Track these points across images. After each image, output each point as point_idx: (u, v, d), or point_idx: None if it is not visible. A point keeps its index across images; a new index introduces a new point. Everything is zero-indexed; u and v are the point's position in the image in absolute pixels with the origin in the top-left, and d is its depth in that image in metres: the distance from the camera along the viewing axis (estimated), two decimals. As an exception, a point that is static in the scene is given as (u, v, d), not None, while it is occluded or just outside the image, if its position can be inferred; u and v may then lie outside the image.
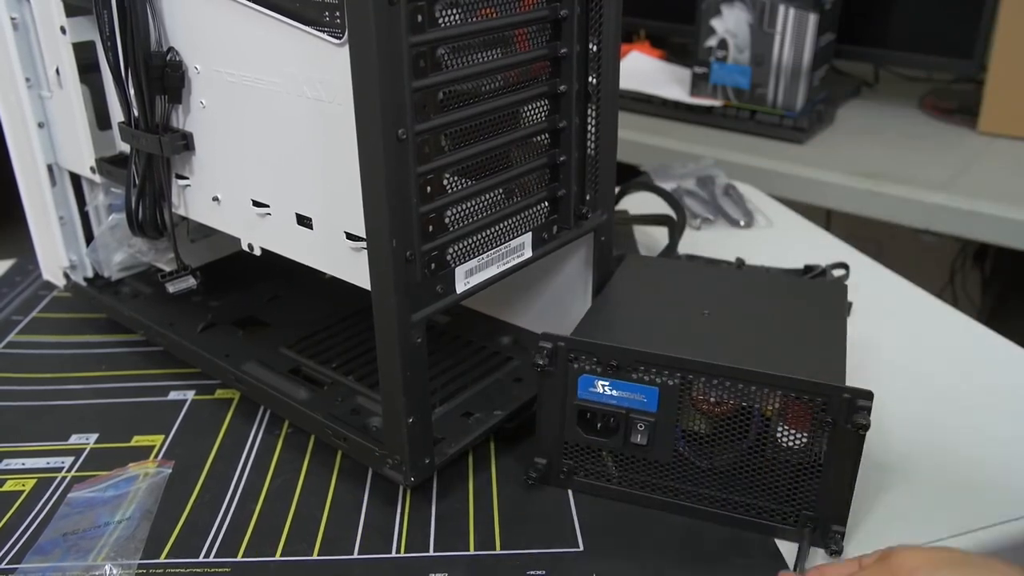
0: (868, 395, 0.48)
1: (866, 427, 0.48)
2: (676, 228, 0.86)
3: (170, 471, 0.59)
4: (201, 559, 0.52)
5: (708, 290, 0.62)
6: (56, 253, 0.74)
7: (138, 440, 0.63)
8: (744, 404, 0.51)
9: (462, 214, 0.50)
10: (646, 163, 1.25)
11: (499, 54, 0.49)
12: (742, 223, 0.95)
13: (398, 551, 0.52)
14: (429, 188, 0.47)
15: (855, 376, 0.67)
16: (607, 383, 0.53)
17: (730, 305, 0.60)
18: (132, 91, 0.56)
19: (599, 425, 0.54)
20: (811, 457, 0.50)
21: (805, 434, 0.50)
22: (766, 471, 0.51)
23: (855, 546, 0.51)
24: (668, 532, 0.53)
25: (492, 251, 0.53)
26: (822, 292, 0.63)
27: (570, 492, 0.57)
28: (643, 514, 0.54)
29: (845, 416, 0.48)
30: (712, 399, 0.51)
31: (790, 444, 0.50)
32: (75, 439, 0.63)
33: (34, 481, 0.59)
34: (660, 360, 0.51)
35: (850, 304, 0.76)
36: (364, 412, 0.59)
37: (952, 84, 1.44)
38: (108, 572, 0.51)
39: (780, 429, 0.50)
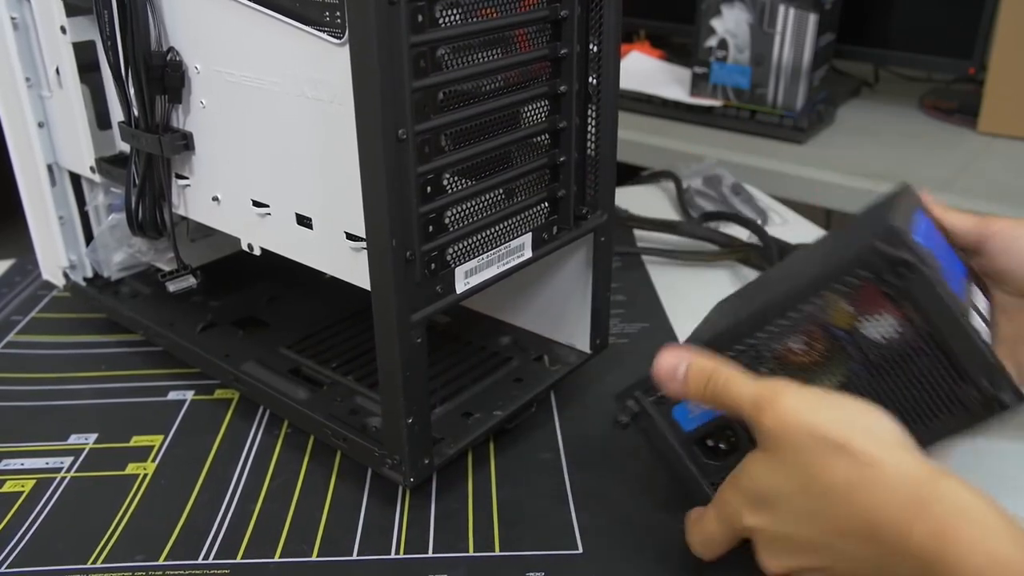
0: (895, 232, 0.43)
1: (909, 262, 0.43)
2: (767, 259, 0.84)
3: (168, 472, 0.59)
4: (200, 560, 0.52)
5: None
6: (56, 253, 0.74)
7: (137, 440, 0.62)
8: (817, 326, 0.46)
9: (462, 214, 0.50)
10: (646, 163, 1.25)
11: (499, 54, 0.49)
12: (759, 222, 0.94)
13: (397, 552, 0.52)
14: (429, 188, 0.47)
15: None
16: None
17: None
18: (132, 91, 0.56)
19: (719, 444, 0.50)
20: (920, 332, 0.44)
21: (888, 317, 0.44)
22: (915, 375, 0.45)
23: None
24: (669, 536, 0.52)
25: (492, 251, 0.53)
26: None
27: (570, 493, 0.56)
28: (644, 517, 0.54)
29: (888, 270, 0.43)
30: (788, 345, 0.47)
31: (891, 334, 0.45)
32: (74, 439, 0.63)
33: (33, 482, 0.59)
34: (710, 345, 0.48)
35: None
36: (363, 412, 0.59)
37: (952, 84, 1.44)
38: None
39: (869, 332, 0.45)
